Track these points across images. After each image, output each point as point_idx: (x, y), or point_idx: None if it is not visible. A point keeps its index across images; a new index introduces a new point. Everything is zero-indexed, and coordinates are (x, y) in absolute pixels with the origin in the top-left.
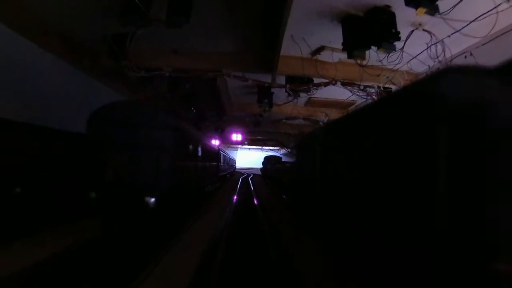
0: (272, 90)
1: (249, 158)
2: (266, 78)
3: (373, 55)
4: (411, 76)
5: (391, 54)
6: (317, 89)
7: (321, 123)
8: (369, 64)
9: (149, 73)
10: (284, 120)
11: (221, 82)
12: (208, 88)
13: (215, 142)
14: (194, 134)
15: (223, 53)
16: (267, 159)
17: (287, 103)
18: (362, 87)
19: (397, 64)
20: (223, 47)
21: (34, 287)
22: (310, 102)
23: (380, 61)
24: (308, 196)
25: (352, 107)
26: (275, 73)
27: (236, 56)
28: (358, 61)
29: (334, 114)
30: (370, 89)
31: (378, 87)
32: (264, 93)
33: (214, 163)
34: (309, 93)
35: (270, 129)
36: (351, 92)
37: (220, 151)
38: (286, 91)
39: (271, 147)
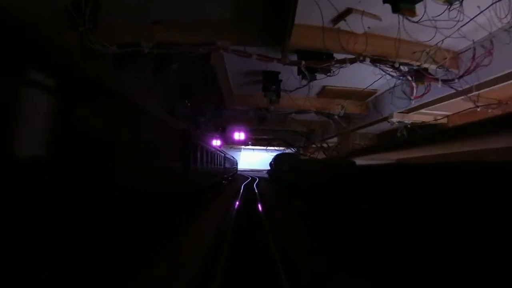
0: (280, 77)
1: (253, 159)
2: (274, 55)
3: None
4: (451, 54)
5: (452, 8)
6: (340, 67)
7: (336, 117)
8: (420, 21)
9: (123, 49)
10: (293, 115)
11: (219, 66)
12: (203, 72)
13: (216, 143)
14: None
15: (217, 22)
16: (279, 159)
17: (300, 88)
18: (397, 65)
19: (454, 24)
20: (218, 14)
21: None
22: (323, 92)
23: (434, 18)
24: None
25: (372, 97)
26: (287, 45)
27: (235, 26)
28: (406, 17)
29: (351, 107)
30: (406, 68)
31: (419, 65)
32: (271, 79)
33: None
34: (329, 74)
35: (276, 126)
36: (382, 71)
37: (217, 152)
38: (298, 73)
39: (276, 147)
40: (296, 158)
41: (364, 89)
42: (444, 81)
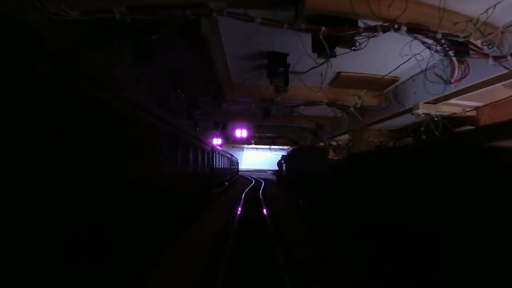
0: (289, 61)
1: (256, 159)
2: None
3: None
4: (499, 29)
5: None
6: (368, 38)
7: (351, 109)
8: None
9: (88, 15)
10: (301, 107)
11: (214, 46)
12: (195, 53)
13: (217, 141)
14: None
15: None
16: (295, 157)
17: (316, 67)
18: (439, 36)
19: None
20: None
21: None
22: (338, 80)
23: None
24: None
25: (392, 86)
26: (303, 7)
27: None
28: None
29: (367, 98)
30: (450, 40)
31: (465, 38)
32: (278, 61)
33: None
34: (353, 48)
35: (281, 122)
36: (422, 43)
37: (214, 151)
38: (314, 49)
39: (281, 146)
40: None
41: (384, 76)
42: (496, 58)
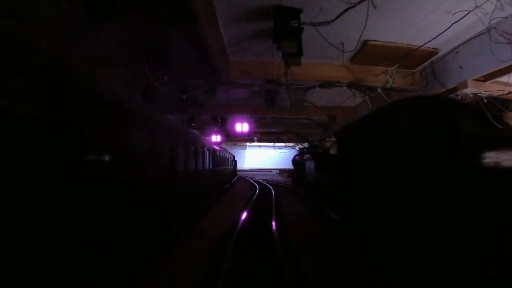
0: (303, 19)
1: (259, 158)
2: None
3: None
4: None
5: None
6: None
7: (379, 90)
8: None
9: None
10: (317, 89)
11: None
12: (174, 14)
13: (216, 138)
14: None
15: None
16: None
17: (351, 8)
18: None
19: None
20: None
21: None
22: (362, 53)
23: None
24: None
25: (427, 63)
26: None
27: None
28: None
29: (398, 79)
30: None
31: None
32: (288, 18)
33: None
34: None
35: (288, 113)
36: None
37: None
38: None
39: (286, 143)
40: None
41: (421, 46)
42: None
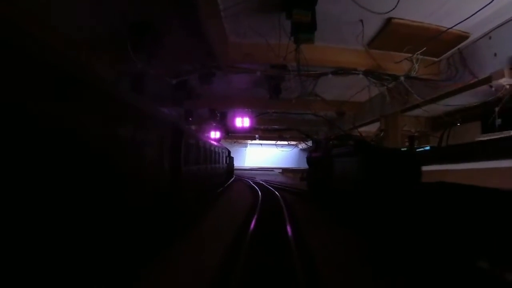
0: None
1: (260, 157)
2: None
3: None
4: None
5: None
6: None
7: (402, 79)
8: None
9: None
10: (330, 76)
11: None
12: None
13: (215, 135)
14: None
15: None
16: None
17: None
18: None
19: None
20: None
21: None
22: (384, 35)
23: None
24: None
25: (454, 50)
26: None
27: None
28: None
29: (420, 68)
30: None
31: None
32: None
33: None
34: None
35: (293, 107)
36: None
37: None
38: None
39: (288, 142)
40: None
41: (451, 28)
42: None
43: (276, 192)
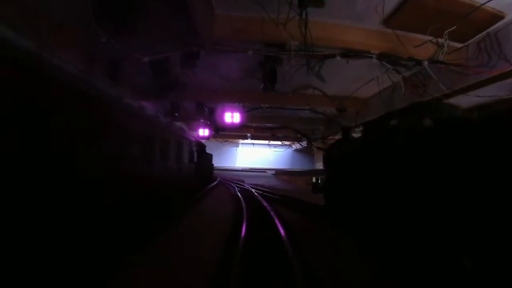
0: None
1: (252, 157)
2: None
3: None
4: None
5: None
6: None
7: (425, 63)
8: None
9: None
10: (338, 58)
11: None
12: None
13: (203, 133)
14: None
15: None
16: None
17: None
18: None
19: None
20: None
21: None
22: (404, 12)
23: None
24: None
25: (483, 34)
26: None
27: None
28: None
29: (445, 56)
30: None
31: None
32: None
33: None
34: None
35: (289, 102)
36: None
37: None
38: None
39: (282, 142)
40: None
41: (485, 3)
42: None
43: (271, 213)
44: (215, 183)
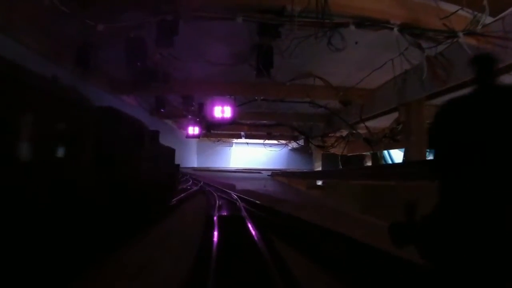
0: None
1: (247, 157)
2: None
3: None
4: None
5: None
6: None
7: (460, 35)
8: None
9: None
10: (352, 28)
11: None
12: None
13: (194, 130)
14: None
15: None
16: None
17: None
18: None
19: None
20: None
21: None
22: None
23: None
24: None
25: None
26: None
27: None
28: None
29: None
30: None
31: None
32: None
33: None
34: None
35: (287, 92)
36: None
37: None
38: None
39: (278, 140)
40: None
41: None
42: None
43: None
44: (183, 194)
